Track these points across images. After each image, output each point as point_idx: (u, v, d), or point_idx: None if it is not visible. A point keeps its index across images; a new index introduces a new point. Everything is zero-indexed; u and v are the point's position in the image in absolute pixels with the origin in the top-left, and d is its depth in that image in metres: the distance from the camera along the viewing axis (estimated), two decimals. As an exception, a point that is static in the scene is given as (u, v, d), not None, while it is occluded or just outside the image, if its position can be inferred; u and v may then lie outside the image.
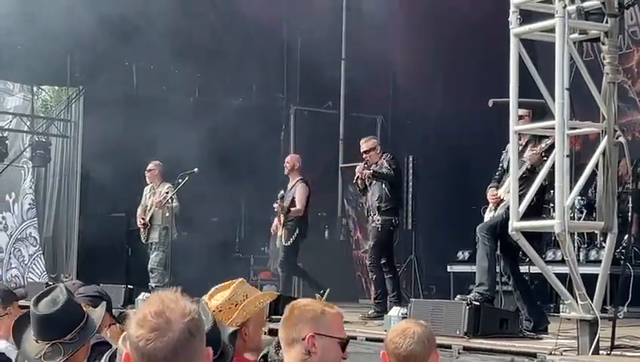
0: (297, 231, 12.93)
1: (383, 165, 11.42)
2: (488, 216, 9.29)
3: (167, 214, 13.44)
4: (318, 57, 16.91)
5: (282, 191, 13.09)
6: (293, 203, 12.90)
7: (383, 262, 11.46)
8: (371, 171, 11.37)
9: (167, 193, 13.44)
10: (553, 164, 6.98)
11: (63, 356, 3.76)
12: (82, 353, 3.86)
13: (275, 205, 13.06)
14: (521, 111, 8.02)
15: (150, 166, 13.78)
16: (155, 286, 13.19)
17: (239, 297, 4.42)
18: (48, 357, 3.77)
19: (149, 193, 13.85)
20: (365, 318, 11.06)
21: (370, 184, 11.62)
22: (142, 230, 13.89)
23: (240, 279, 4.59)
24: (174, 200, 13.26)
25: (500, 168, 9.35)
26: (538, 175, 7.55)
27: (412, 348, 3.91)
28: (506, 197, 8.80)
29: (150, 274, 13.50)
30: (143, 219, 13.76)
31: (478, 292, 8.97)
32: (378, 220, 11.44)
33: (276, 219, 13.20)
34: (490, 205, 9.33)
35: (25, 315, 3.97)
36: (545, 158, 8.16)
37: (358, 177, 11.70)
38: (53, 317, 3.83)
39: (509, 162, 8.02)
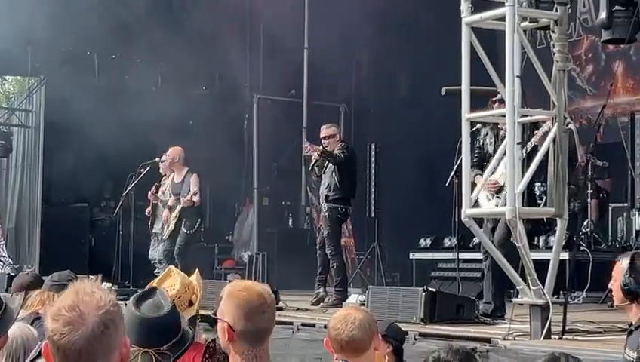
0: (199, 220, 13.23)
1: (336, 149, 11.45)
2: (488, 203, 8.93)
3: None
4: (281, 46, 16.93)
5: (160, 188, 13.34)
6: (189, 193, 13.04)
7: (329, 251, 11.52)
8: (321, 149, 11.37)
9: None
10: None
11: None
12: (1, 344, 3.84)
13: (153, 196, 13.31)
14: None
15: (163, 157, 13.72)
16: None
17: (186, 280, 4.51)
18: None
19: (162, 184, 13.82)
20: (326, 306, 11.11)
21: (324, 171, 11.66)
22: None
23: (170, 267, 4.66)
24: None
25: (477, 153, 9.04)
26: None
27: (353, 333, 3.95)
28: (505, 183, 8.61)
29: (159, 265, 13.40)
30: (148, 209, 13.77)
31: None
32: (325, 208, 11.51)
33: (166, 210, 13.23)
34: (488, 194, 9.01)
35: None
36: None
37: (314, 163, 11.75)
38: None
39: (493, 146, 8.09)
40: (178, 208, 13.12)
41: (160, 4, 16.18)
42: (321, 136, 11.68)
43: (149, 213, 13.82)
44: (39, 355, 3.54)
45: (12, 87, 25.40)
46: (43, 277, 6.55)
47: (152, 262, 13.64)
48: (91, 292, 2.43)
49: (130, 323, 3.62)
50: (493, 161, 7.49)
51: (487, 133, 8.92)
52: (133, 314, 3.67)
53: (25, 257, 16.20)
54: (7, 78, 22.53)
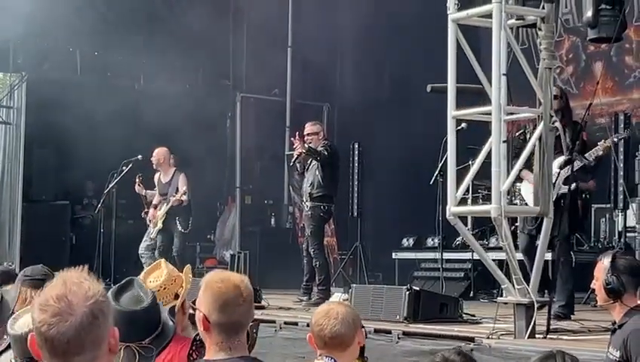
0: (191, 219, 13.34)
1: (319, 146, 11.42)
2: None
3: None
4: (265, 44, 16.89)
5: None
6: (177, 192, 13.16)
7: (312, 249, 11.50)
8: (306, 146, 11.35)
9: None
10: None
11: None
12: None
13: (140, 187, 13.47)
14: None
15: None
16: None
17: (175, 273, 4.48)
18: None
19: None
20: (309, 304, 11.07)
21: (307, 169, 11.65)
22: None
23: (161, 259, 4.62)
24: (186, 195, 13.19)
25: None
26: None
27: (336, 328, 3.90)
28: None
29: (142, 257, 13.47)
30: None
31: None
32: (308, 206, 11.51)
33: (152, 209, 13.32)
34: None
35: None
36: None
37: (296, 158, 11.74)
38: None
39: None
40: (164, 208, 13.13)
41: (143, 1, 16.10)
42: (305, 133, 11.68)
43: (145, 213, 13.80)
44: (6, 349, 3.49)
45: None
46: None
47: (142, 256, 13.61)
48: (79, 282, 2.38)
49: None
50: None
51: (522, 136, 8.74)
52: (113, 307, 3.61)
53: (5, 254, 16.05)
54: (-13, 74, 22.34)
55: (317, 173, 11.42)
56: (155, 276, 4.43)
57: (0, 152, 16.73)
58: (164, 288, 4.31)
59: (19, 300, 5.00)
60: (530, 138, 8.63)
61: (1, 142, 16.71)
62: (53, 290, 2.36)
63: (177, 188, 13.16)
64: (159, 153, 13.40)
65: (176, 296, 4.36)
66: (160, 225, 13.19)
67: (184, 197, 13.06)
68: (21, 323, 3.41)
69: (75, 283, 2.37)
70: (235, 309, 3.48)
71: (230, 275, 3.64)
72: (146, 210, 13.74)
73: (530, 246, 8.50)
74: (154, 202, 13.50)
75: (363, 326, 4.05)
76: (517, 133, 8.85)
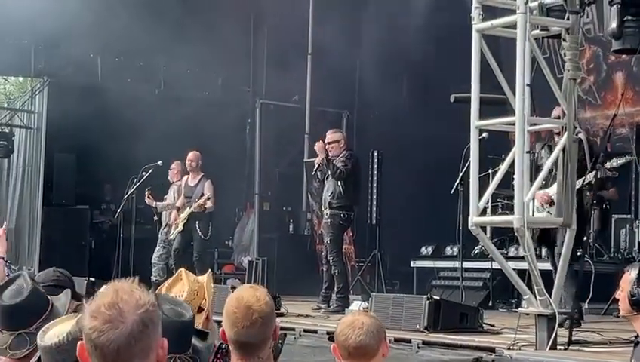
0: (211, 225, 13.43)
1: (339, 159, 11.44)
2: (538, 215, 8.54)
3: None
4: (285, 51, 16.91)
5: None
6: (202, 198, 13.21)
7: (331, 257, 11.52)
8: (324, 159, 11.39)
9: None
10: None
11: (30, 345, 3.72)
12: None
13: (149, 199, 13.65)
14: None
15: (172, 165, 13.81)
16: (155, 279, 13.25)
17: (196, 285, 4.44)
18: (14, 348, 3.73)
19: (175, 191, 13.86)
20: (328, 312, 11.07)
21: (327, 177, 11.66)
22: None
23: (180, 270, 4.59)
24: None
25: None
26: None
27: (361, 339, 3.88)
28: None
29: (152, 267, 13.55)
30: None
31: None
32: (327, 214, 11.54)
33: (174, 212, 13.44)
34: (538, 204, 8.84)
35: None
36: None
37: (317, 168, 11.76)
38: (19, 308, 3.78)
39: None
40: (187, 211, 13.19)
41: (164, 9, 16.15)
42: (326, 141, 11.70)
43: (157, 220, 13.87)
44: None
45: (13, 87, 25.36)
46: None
47: (154, 266, 13.66)
48: (131, 291, 2.40)
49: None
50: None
51: (542, 148, 8.77)
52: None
53: (25, 258, 16.14)
54: (8, 78, 22.48)
55: (338, 182, 11.44)
56: (177, 291, 4.38)
57: (20, 157, 16.83)
58: (188, 303, 4.28)
59: None
60: (538, 155, 8.72)
61: (22, 146, 16.80)
62: (105, 298, 2.37)
63: (202, 193, 13.20)
64: (195, 156, 13.52)
65: (200, 310, 4.33)
66: (181, 227, 13.25)
67: (208, 203, 13.10)
68: (51, 334, 3.42)
69: (127, 292, 2.39)
70: (244, 330, 3.50)
71: (247, 293, 3.66)
72: (156, 218, 13.85)
73: None
74: (177, 204, 13.54)
75: (386, 338, 4.04)
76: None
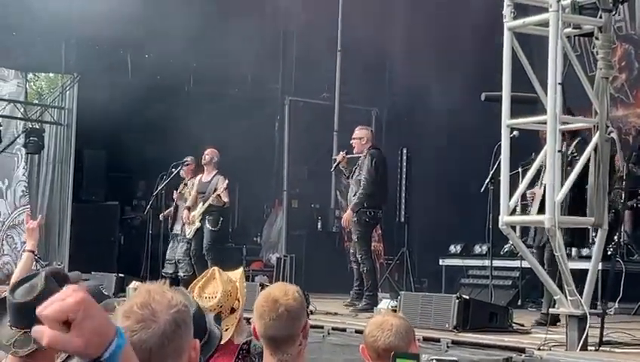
0: (222, 218, 13.47)
1: (364, 165, 11.52)
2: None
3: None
4: (314, 48, 16.89)
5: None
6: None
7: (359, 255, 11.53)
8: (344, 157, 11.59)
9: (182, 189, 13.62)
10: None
11: (33, 345, 3.73)
12: None
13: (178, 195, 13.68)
14: None
15: (188, 160, 13.83)
16: (184, 275, 13.30)
17: (229, 285, 4.43)
18: (18, 346, 3.75)
19: (182, 188, 13.88)
20: (357, 310, 11.05)
21: (351, 176, 11.70)
22: (168, 220, 14.04)
23: (213, 268, 4.57)
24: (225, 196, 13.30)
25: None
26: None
27: (390, 340, 3.88)
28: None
29: (178, 264, 13.57)
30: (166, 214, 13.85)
31: None
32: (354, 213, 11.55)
33: (186, 211, 13.49)
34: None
35: (3, 300, 3.94)
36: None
37: (336, 165, 11.82)
38: (29, 305, 3.79)
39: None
40: (200, 207, 13.22)
41: (194, 6, 16.18)
42: (352, 136, 11.79)
43: (164, 216, 13.87)
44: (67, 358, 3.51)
45: (44, 83, 25.50)
46: None
47: (169, 262, 13.67)
48: (162, 291, 2.40)
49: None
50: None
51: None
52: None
53: (55, 254, 16.23)
54: (38, 74, 22.60)
55: (361, 183, 11.48)
56: (210, 293, 4.36)
57: (51, 153, 16.94)
58: (220, 306, 4.28)
59: None
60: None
61: (52, 142, 16.90)
62: (137, 298, 2.37)
63: (215, 189, 13.24)
64: (212, 152, 13.53)
65: (232, 310, 4.33)
66: (197, 223, 13.27)
67: (225, 199, 13.15)
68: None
69: (159, 293, 2.39)
70: (270, 323, 3.52)
71: (276, 288, 3.69)
72: (166, 212, 13.86)
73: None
74: (187, 204, 13.56)
75: (416, 339, 4.03)
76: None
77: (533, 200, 8.75)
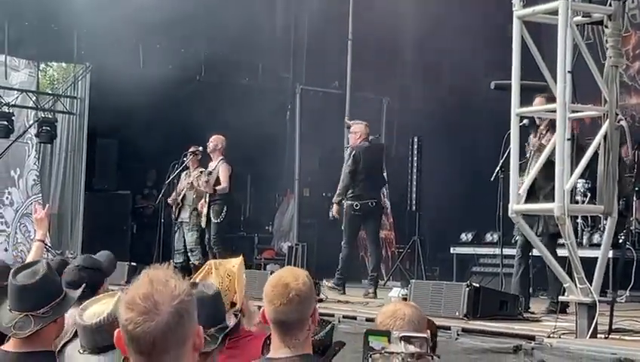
0: (226, 208, 13.40)
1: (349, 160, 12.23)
2: None
3: (195, 196, 13.61)
4: (325, 37, 16.88)
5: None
6: (218, 181, 13.30)
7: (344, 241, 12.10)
8: None
9: (198, 175, 13.59)
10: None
11: (33, 328, 3.78)
12: (54, 329, 3.85)
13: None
14: None
15: (192, 149, 13.85)
16: (199, 263, 13.35)
17: (225, 281, 4.42)
18: (18, 328, 3.79)
19: (184, 176, 13.88)
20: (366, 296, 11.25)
21: None
22: (173, 208, 14.01)
23: (209, 262, 4.58)
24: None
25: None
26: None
27: (402, 329, 3.90)
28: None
29: (190, 253, 13.65)
30: (175, 199, 13.86)
31: None
32: (343, 205, 12.09)
33: (202, 200, 13.50)
34: None
35: (4, 287, 3.99)
36: None
37: None
38: (29, 289, 3.84)
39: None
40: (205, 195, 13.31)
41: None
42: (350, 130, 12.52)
43: (172, 201, 13.88)
44: (72, 339, 3.56)
45: (56, 73, 25.53)
46: None
47: (177, 252, 13.70)
48: (165, 281, 2.41)
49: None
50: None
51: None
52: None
53: (67, 243, 16.31)
54: (51, 64, 22.63)
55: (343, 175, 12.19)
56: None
57: (63, 142, 17.00)
58: (225, 294, 4.29)
59: None
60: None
61: (65, 132, 16.96)
62: (140, 289, 2.39)
63: (218, 177, 13.27)
64: (217, 139, 13.56)
65: (232, 305, 4.33)
66: (205, 210, 13.34)
67: (218, 188, 13.17)
68: (90, 313, 3.46)
69: (162, 283, 2.40)
70: (281, 308, 3.54)
71: (286, 273, 3.71)
72: (173, 197, 13.89)
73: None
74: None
75: (433, 327, 4.02)
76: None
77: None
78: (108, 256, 6.37)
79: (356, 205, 11.99)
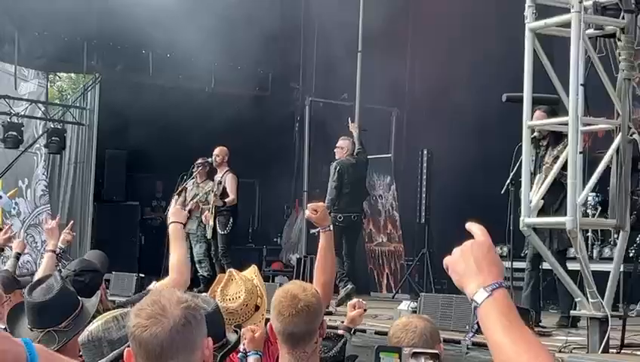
0: (232, 220, 13.45)
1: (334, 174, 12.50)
2: None
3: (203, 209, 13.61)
4: (335, 48, 16.86)
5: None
6: (225, 193, 13.33)
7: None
8: None
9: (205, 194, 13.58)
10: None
11: (57, 344, 3.76)
12: (76, 341, 3.85)
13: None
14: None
15: (200, 161, 13.83)
16: (207, 274, 13.35)
17: (249, 284, 4.41)
18: (43, 345, 3.77)
19: (191, 186, 13.85)
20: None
21: None
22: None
23: (230, 270, 4.56)
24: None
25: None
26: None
27: (414, 342, 3.88)
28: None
29: (198, 265, 13.66)
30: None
31: None
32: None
33: (207, 211, 13.50)
34: None
35: (20, 304, 3.97)
36: None
37: None
38: (48, 305, 3.82)
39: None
40: (212, 207, 13.28)
41: (215, 5, 16.20)
42: (336, 144, 12.84)
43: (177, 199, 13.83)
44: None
45: (64, 83, 25.60)
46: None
47: (202, 262, 13.68)
48: (173, 291, 2.51)
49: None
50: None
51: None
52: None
53: (75, 254, 16.25)
54: (59, 74, 22.69)
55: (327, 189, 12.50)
56: (233, 293, 4.36)
57: (72, 153, 17.00)
58: (246, 304, 4.29)
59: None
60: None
61: (74, 142, 16.97)
62: (148, 298, 2.46)
63: (224, 188, 13.29)
64: (222, 151, 13.57)
65: (257, 308, 4.34)
66: (212, 223, 13.33)
67: (227, 200, 13.15)
68: (91, 329, 3.45)
69: (169, 291, 2.49)
70: (289, 319, 3.53)
71: (294, 286, 3.71)
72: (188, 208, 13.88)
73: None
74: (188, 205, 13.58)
75: (440, 341, 4.02)
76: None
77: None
78: (99, 255, 6.34)
79: (340, 217, 12.23)
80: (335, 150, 12.79)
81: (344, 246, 12.48)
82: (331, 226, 4.95)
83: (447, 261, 2.06)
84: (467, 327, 8.40)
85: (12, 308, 4.08)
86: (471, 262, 2.01)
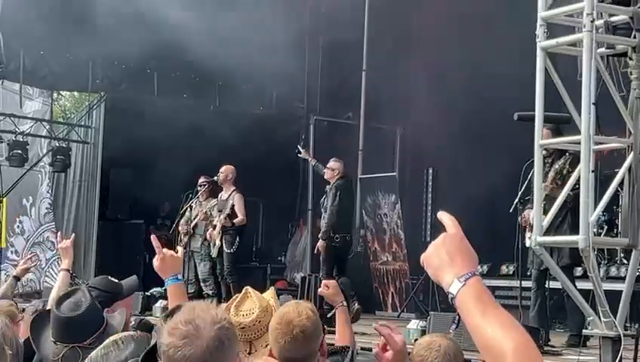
0: (239, 238, 13.49)
1: (330, 195, 12.71)
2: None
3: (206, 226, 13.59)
4: (339, 67, 16.89)
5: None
6: (233, 213, 13.32)
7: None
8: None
9: (210, 211, 13.60)
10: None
11: (81, 360, 3.74)
12: None
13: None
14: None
15: (202, 180, 13.84)
16: (213, 293, 13.34)
17: (264, 301, 4.40)
18: (66, 361, 3.75)
19: (195, 205, 13.84)
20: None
21: (324, 203, 12.86)
22: (182, 236, 13.95)
23: (246, 287, 4.54)
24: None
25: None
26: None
27: (437, 361, 3.86)
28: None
29: (203, 283, 13.67)
30: (186, 227, 13.83)
31: None
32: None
33: (211, 229, 13.52)
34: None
35: (43, 315, 3.94)
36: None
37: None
38: (76, 321, 3.81)
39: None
40: (218, 226, 13.25)
41: (219, 24, 16.22)
42: (327, 165, 13.09)
43: (183, 229, 13.83)
44: None
45: (67, 102, 25.61)
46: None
47: (189, 282, 13.63)
48: (207, 308, 2.46)
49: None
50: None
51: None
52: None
53: (80, 272, 16.24)
54: (63, 93, 22.70)
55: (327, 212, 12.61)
56: (247, 310, 4.35)
57: (77, 171, 17.00)
58: (259, 321, 4.27)
59: None
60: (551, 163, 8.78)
61: (79, 161, 16.98)
62: (182, 316, 2.41)
63: (232, 207, 13.27)
64: (227, 169, 13.54)
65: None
66: (218, 242, 13.29)
67: (236, 220, 13.16)
68: (91, 354, 3.44)
69: (203, 309, 2.43)
70: (286, 345, 3.52)
71: (289, 309, 3.69)
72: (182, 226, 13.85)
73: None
74: (214, 222, 13.55)
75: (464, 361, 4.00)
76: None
77: (525, 224, 8.92)
78: (130, 281, 6.30)
79: (336, 237, 12.49)
80: (325, 171, 13.00)
81: (336, 267, 12.73)
82: (344, 302, 4.95)
83: (422, 256, 2.07)
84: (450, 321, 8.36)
85: (35, 317, 4.06)
86: (444, 255, 2.04)
